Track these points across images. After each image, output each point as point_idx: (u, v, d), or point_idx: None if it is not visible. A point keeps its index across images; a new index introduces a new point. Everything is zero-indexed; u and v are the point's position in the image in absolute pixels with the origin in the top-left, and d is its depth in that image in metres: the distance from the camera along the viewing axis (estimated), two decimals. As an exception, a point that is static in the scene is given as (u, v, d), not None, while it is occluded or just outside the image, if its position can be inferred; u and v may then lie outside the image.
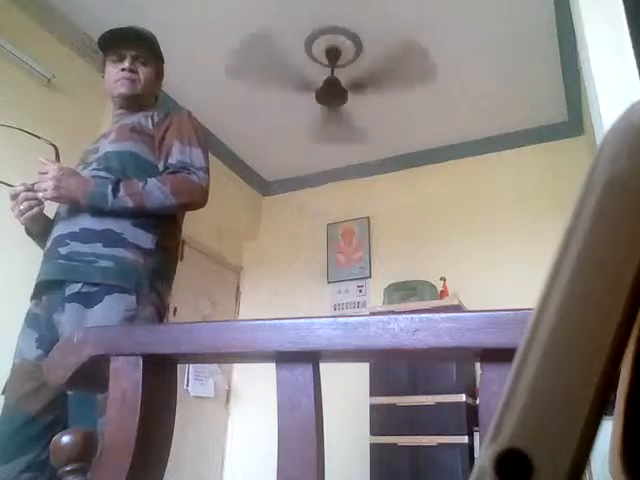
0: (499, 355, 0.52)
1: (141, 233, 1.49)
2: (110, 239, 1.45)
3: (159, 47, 1.80)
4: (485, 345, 0.53)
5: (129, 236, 1.47)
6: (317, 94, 3.33)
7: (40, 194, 1.49)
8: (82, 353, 0.66)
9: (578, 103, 3.63)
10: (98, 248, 1.43)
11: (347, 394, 3.57)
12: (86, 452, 0.66)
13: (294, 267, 4.43)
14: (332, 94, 3.32)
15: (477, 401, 2.55)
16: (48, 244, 1.51)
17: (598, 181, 0.25)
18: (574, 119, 3.84)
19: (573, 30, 2.60)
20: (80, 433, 0.68)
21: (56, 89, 2.98)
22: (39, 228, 1.57)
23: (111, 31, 1.71)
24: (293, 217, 4.65)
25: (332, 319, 0.59)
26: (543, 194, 3.76)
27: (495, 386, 0.53)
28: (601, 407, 0.23)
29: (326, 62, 3.33)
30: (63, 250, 1.44)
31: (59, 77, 2.98)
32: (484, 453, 0.24)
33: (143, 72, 1.72)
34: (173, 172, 1.55)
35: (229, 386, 4.25)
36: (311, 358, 0.60)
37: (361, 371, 3.51)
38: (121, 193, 1.46)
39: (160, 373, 0.65)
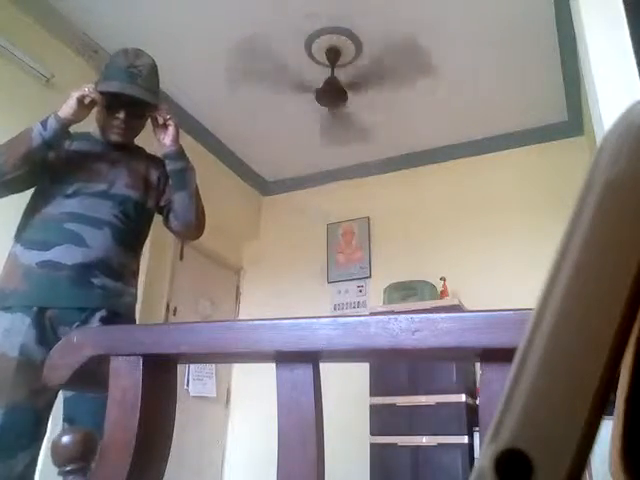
0: (499, 355, 0.52)
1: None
2: (132, 276, 1.71)
3: (158, 89, 1.79)
4: (485, 345, 0.53)
5: (136, 270, 1.75)
6: (317, 94, 3.33)
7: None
8: (82, 353, 0.66)
9: (578, 103, 3.63)
10: (124, 283, 1.66)
11: (347, 394, 3.57)
12: (86, 452, 0.66)
13: (294, 267, 4.43)
14: (332, 94, 3.32)
15: (477, 401, 2.55)
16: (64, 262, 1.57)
17: (598, 181, 0.25)
18: (574, 119, 3.84)
19: (573, 30, 2.60)
20: (80, 433, 0.68)
21: (55, 89, 2.98)
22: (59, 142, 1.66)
23: (119, 95, 1.68)
24: (293, 217, 4.65)
25: (332, 319, 0.59)
26: (543, 194, 3.76)
27: (495, 386, 0.53)
28: (601, 407, 0.23)
29: (326, 62, 3.33)
30: (96, 281, 1.59)
31: (58, 77, 2.98)
32: (484, 453, 0.24)
33: (138, 123, 1.77)
34: None
35: (229, 386, 4.25)
36: (311, 358, 0.60)
37: (361, 371, 3.51)
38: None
39: (160, 373, 0.65)
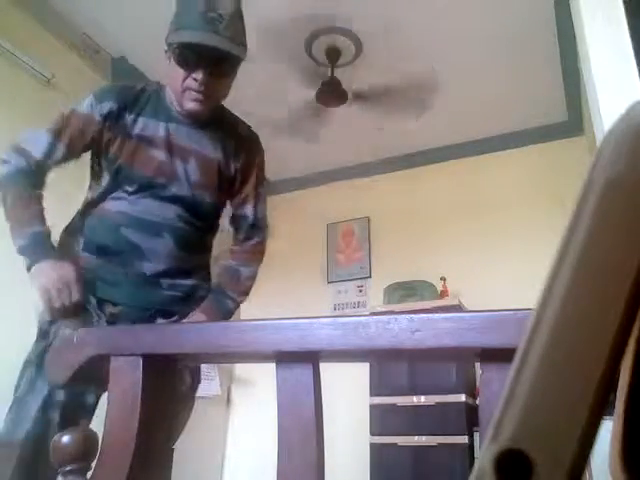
0: (499, 355, 0.52)
1: None
2: (205, 270, 1.58)
3: (244, 39, 1.44)
4: (485, 345, 0.53)
5: (208, 262, 1.62)
6: (317, 94, 3.33)
7: None
8: (82, 353, 0.66)
9: (578, 103, 3.63)
10: (197, 279, 1.53)
11: (347, 394, 3.57)
12: (86, 452, 0.66)
13: (294, 267, 4.43)
14: (332, 94, 3.32)
15: (477, 401, 2.55)
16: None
17: (598, 181, 0.25)
18: (574, 119, 3.84)
19: (573, 30, 2.60)
20: (80, 433, 0.68)
21: (56, 89, 2.98)
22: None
23: (195, 48, 1.35)
24: (293, 217, 4.65)
25: (332, 319, 0.59)
26: (543, 194, 3.76)
27: (495, 386, 0.53)
28: (601, 407, 0.23)
29: (326, 62, 3.33)
30: (164, 283, 1.45)
31: (59, 77, 2.98)
32: (484, 453, 0.24)
33: (220, 87, 1.44)
34: (243, 237, 1.58)
35: (229, 386, 4.25)
36: (311, 358, 0.60)
37: (361, 371, 3.50)
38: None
39: (160, 373, 0.65)
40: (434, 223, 4.09)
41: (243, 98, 3.71)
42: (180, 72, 1.38)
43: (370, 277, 4.24)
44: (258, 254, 1.60)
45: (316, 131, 3.76)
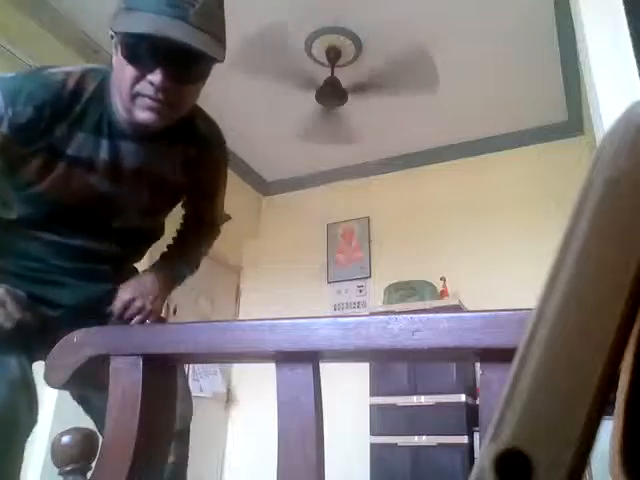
0: (499, 355, 0.52)
1: None
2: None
3: (223, 32, 1.02)
4: (485, 345, 0.53)
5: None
6: (317, 94, 3.33)
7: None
8: (82, 353, 0.66)
9: (578, 103, 3.63)
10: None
11: (347, 394, 3.57)
12: (86, 452, 0.66)
13: (294, 267, 4.43)
14: (332, 94, 3.32)
15: (477, 401, 2.55)
16: None
17: (598, 181, 0.25)
18: (574, 119, 3.84)
19: (573, 30, 2.60)
20: (80, 433, 0.68)
21: (56, 89, 2.98)
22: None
23: (152, 40, 0.92)
24: (293, 217, 4.65)
25: (332, 319, 0.59)
26: (543, 194, 3.76)
27: (495, 386, 0.53)
28: (601, 407, 0.23)
29: (326, 62, 3.33)
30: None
31: (59, 77, 2.97)
32: (484, 453, 0.24)
33: (185, 95, 1.05)
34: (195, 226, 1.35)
35: (229, 386, 4.25)
36: (311, 358, 0.60)
37: (361, 371, 3.51)
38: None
39: (160, 373, 0.65)
40: (434, 223, 4.09)
41: (244, 99, 3.72)
42: (130, 70, 0.96)
43: (370, 277, 4.24)
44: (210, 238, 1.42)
45: (342, 131, 3.72)
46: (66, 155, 1.03)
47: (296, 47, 3.26)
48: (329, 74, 3.33)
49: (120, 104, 1.04)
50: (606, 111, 1.75)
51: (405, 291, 3.64)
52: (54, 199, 1.05)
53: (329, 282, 4.36)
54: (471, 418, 3.02)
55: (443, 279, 3.67)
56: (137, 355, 0.64)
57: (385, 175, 4.46)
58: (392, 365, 3.22)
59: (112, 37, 1.00)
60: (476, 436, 2.97)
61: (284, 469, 0.57)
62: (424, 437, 3.07)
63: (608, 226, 0.24)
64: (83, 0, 2.97)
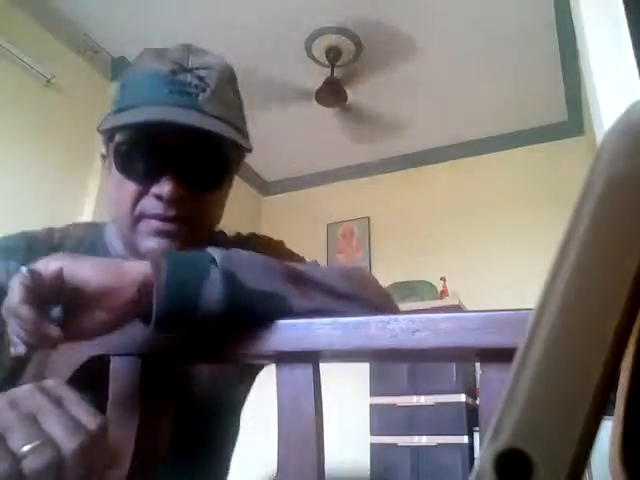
0: (499, 355, 0.52)
1: None
2: None
3: (244, 121, 0.87)
4: (485, 345, 0.53)
5: None
6: (317, 94, 3.33)
7: None
8: (81, 353, 0.65)
9: (578, 103, 3.63)
10: None
11: (347, 394, 3.57)
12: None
13: (294, 267, 4.42)
14: (332, 94, 3.32)
15: (477, 401, 2.55)
16: None
17: (598, 181, 0.25)
18: (574, 119, 3.84)
19: (573, 29, 2.60)
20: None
21: (56, 89, 2.98)
22: None
23: (155, 130, 0.72)
24: (293, 217, 4.65)
25: (332, 319, 0.59)
26: (543, 194, 3.76)
27: (495, 386, 0.53)
28: (601, 407, 0.23)
29: (326, 62, 3.33)
30: None
31: (59, 77, 2.98)
32: (484, 453, 0.24)
33: (205, 206, 0.79)
34: None
35: (229, 386, 4.24)
36: (311, 358, 0.60)
37: (361, 371, 3.50)
38: None
39: (160, 373, 0.65)
40: (434, 223, 4.09)
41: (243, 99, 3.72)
42: (129, 187, 0.74)
43: (370, 277, 4.23)
44: None
45: (342, 131, 3.73)
46: None
47: (296, 47, 3.26)
48: (329, 74, 3.33)
49: (122, 240, 0.79)
50: (606, 111, 1.75)
51: (405, 291, 3.64)
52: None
53: (329, 282, 4.36)
54: (471, 418, 3.02)
55: (443, 279, 3.67)
56: (136, 355, 0.64)
57: (385, 175, 4.46)
58: (392, 365, 3.22)
59: (103, 156, 0.83)
60: (476, 436, 2.97)
61: (284, 469, 0.57)
62: (424, 437, 3.06)
63: (608, 226, 0.24)
64: (83, 0, 2.97)
